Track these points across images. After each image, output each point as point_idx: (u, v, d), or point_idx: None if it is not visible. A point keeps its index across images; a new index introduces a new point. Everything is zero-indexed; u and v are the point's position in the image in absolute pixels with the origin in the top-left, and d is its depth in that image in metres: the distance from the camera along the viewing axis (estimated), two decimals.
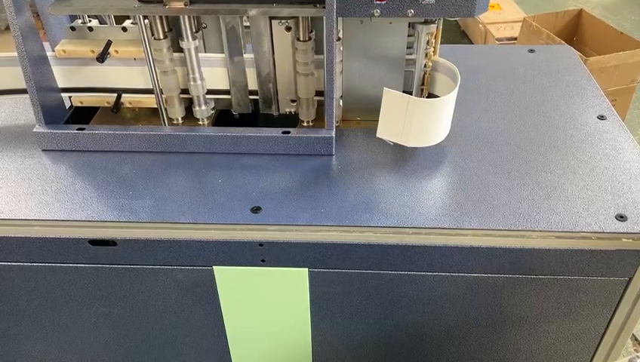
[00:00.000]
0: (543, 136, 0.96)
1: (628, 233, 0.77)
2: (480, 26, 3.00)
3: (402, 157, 0.91)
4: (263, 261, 0.83)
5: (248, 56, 0.94)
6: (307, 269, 0.83)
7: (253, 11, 0.85)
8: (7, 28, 0.85)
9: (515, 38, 2.78)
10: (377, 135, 0.90)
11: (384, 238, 0.79)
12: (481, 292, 0.85)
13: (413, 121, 0.87)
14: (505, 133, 0.97)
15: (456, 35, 3.31)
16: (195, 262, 0.83)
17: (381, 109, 0.87)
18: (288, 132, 0.91)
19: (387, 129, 0.89)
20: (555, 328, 0.90)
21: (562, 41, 2.30)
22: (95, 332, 0.95)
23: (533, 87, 1.09)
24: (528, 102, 1.05)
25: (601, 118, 1.01)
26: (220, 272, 0.85)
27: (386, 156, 0.92)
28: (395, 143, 0.90)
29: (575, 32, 2.65)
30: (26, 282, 0.88)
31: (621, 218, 0.79)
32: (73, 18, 0.98)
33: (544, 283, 0.83)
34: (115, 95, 0.98)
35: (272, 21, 0.89)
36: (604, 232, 0.78)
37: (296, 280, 0.85)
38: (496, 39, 2.88)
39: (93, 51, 0.92)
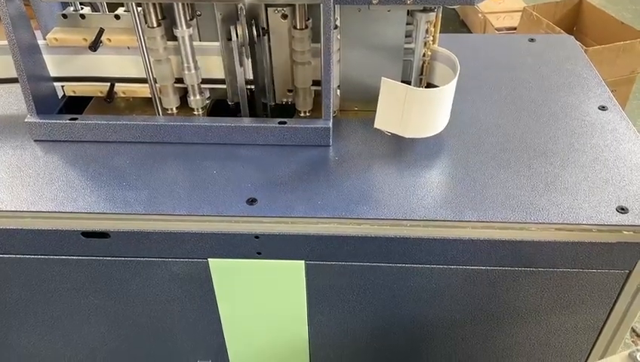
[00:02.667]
0: (543, 126, 0.95)
1: (629, 225, 0.76)
2: (479, 15, 2.98)
3: (400, 148, 0.90)
4: (258, 253, 0.81)
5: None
6: (303, 262, 0.82)
7: None
8: None
9: (515, 28, 2.76)
10: (375, 125, 0.88)
11: (381, 230, 0.78)
12: (480, 285, 0.84)
13: (412, 112, 0.86)
14: (504, 123, 0.95)
15: (455, 24, 3.28)
16: (190, 255, 0.82)
17: (379, 99, 0.86)
18: (285, 122, 0.90)
19: (385, 119, 0.88)
20: (554, 320, 0.89)
21: (562, 31, 2.28)
22: (88, 325, 0.94)
23: (533, 77, 1.08)
24: (529, 92, 1.04)
25: (603, 108, 0.99)
26: (215, 265, 0.83)
27: (383, 147, 0.90)
28: (392, 134, 0.89)
29: (575, 21, 2.63)
30: (18, 274, 0.86)
31: (622, 210, 0.78)
32: (65, 5, 0.96)
33: (543, 275, 0.82)
34: (109, 84, 0.96)
35: (268, 9, 0.88)
36: (604, 224, 0.77)
37: (292, 273, 0.84)
38: (496, 29, 2.86)
39: (85, 39, 0.91)
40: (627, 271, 0.81)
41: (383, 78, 0.84)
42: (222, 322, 0.92)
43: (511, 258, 0.80)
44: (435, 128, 0.90)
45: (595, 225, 0.77)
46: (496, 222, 0.78)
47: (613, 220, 0.77)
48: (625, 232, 0.77)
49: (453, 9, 3.31)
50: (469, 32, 3.18)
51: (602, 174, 0.84)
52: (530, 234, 0.78)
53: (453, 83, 0.86)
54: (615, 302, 0.85)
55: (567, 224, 0.77)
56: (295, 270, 0.83)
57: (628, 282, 0.82)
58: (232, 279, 0.86)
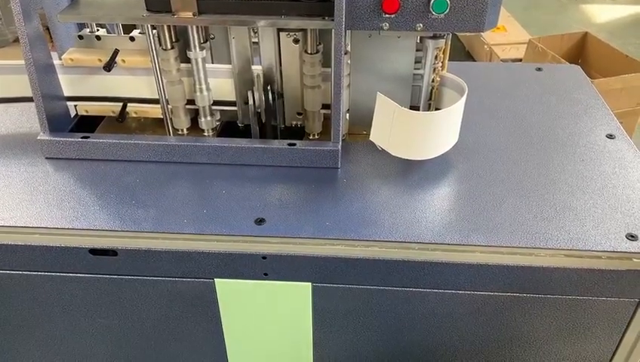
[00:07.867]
0: (551, 153, 0.95)
1: (639, 253, 0.76)
2: (485, 47, 3.02)
3: (409, 171, 0.90)
4: (265, 274, 0.81)
5: (256, 67, 0.94)
6: (310, 284, 0.82)
7: (261, 23, 0.85)
8: (17, 39, 0.85)
9: (520, 60, 2.79)
10: (370, 138, 0.89)
11: (389, 253, 0.78)
12: (486, 310, 0.83)
13: (398, 131, 0.86)
14: (513, 150, 0.96)
15: (461, 55, 3.32)
16: (197, 274, 0.82)
17: (374, 113, 0.87)
18: (294, 144, 0.90)
19: (378, 134, 0.89)
20: (563, 349, 0.88)
21: (567, 63, 2.30)
22: (93, 343, 0.93)
23: (540, 105, 1.09)
24: (536, 119, 1.04)
25: (610, 136, 1.00)
26: (222, 285, 0.83)
27: (391, 170, 0.91)
28: (391, 153, 0.89)
29: (580, 54, 2.66)
30: (24, 291, 0.86)
31: (632, 237, 0.78)
32: (81, 27, 0.98)
33: (552, 302, 0.81)
34: (121, 104, 0.97)
35: (280, 33, 0.89)
36: (614, 251, 0.76)
37: (298, 295, 0.83)
38: (501, 60, 2.89)
39: (100, 60, 0.92)
40: (637, 300, 0.80)
41: (378, 93, 0.85)
42: (226, 343, 0.91)
43: (519, 284, 0.80)
44: (424, 153, 0.89)
45: (605, 251, 0.76)
46: (504, 246, 0.77)
47: (623, 247, 0.76)
48: (635, 260, 0.76)
49: (460, 41, 3.35)
50: None
51: (611, 201, 0.84)
52: (539, 259, 0.77)
53: (447, 110, 0.87)
54: (625, 331, 0.84)
55: (577, 250, 0.77)
56: (302, 292, 0.83)
57: (638, 311, 0.81)
58: (237, 300, 0.85)
